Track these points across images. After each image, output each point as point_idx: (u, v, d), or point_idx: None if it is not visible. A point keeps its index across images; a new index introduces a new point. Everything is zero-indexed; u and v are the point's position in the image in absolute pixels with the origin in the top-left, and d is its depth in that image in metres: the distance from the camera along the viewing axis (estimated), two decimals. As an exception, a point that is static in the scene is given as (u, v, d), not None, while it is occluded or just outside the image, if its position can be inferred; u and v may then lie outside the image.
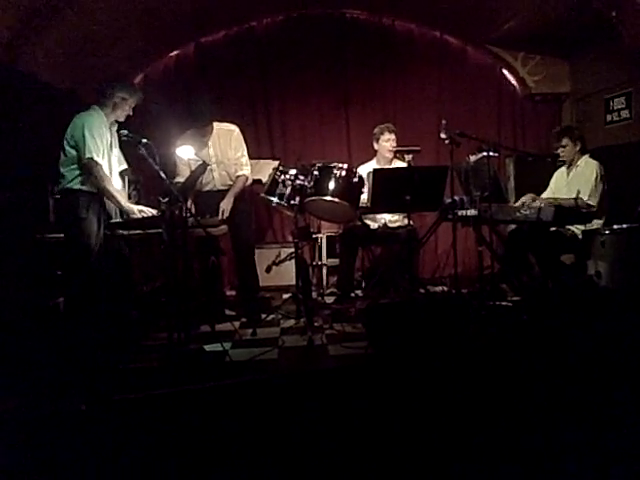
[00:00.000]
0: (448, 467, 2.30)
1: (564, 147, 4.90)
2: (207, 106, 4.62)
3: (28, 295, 4.27)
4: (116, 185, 4.16)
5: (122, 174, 4.32)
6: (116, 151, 4.19)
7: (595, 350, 3.37)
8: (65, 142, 3.98)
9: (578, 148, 4.88)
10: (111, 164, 4.10)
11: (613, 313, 4.01)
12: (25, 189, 4.54)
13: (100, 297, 3.93)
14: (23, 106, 4.55)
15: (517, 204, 4.85)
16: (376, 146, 5.47)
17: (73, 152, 3.95)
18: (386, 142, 5.36)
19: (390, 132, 5.38)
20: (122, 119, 4.16)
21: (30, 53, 4.60)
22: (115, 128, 4.16)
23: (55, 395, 3.06)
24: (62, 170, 3.99)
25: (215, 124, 4.76)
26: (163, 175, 3.65)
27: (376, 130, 5.45)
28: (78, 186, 3.95)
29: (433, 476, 2.27)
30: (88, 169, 3.89)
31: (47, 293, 4.37)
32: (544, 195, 5.05)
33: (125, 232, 4.08)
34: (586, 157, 4.88)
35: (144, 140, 3.72)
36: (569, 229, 4.73)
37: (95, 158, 3.89)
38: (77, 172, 3.95)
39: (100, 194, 3.97)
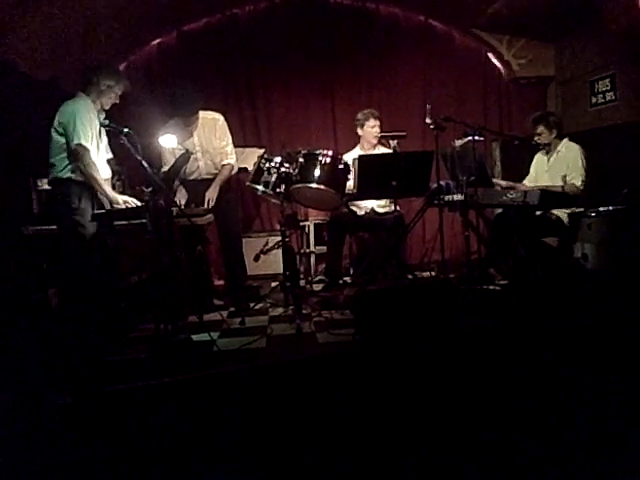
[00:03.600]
0: (435, 453, 2.30)
1: (540, 134, 4.93)
2: (192, 95, 4.57)
3: (13, 288, 4.23)
4: (105, 173, 4.12)
5: (108, 162, 4.28)
6: (104, 139, 4.15)
7: (584, 332, 3.38)
8: (53, 130, 3.94)
9: (554, 135, 4.91)
10: (99, 151, 4.06)
11: (600, 295, 4.03)
12: (7, 181, 4.48)
13: (93, 288, 3.91)
14: (3, 96, 4.47)
15: (495, 181, 4.87)
16: (360, 132, 5.44)
17: (62, 140, 3.91)
18: (371, 128, 5.34)
19: (375, 118, 5.35)
20: (107, 107, 4.12)
21: (9, 43, 4.53)
22: (103, 116, 4.12)
23: (41, 388, 3.04)
24: (51, 159, 3.96)
25: (200, 113, 4.71)
26: (146, 165, 3.61)
27: (360, 116, 5.42)
28: (68, 175, 3.93)
29: (420, 462, 2.27)
30: (76, 155, 3.86)
31: (32, 286, 4.33)
32: (525, 182, 5.07)
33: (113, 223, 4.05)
34: (566, 141, 4.91)
35: (126, 129, 3.68)
36: (553, 213, 4.74)
37: (84, 144, 3.85)
38: (67, 161, 3.93)
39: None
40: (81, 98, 4.00)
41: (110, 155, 4.30)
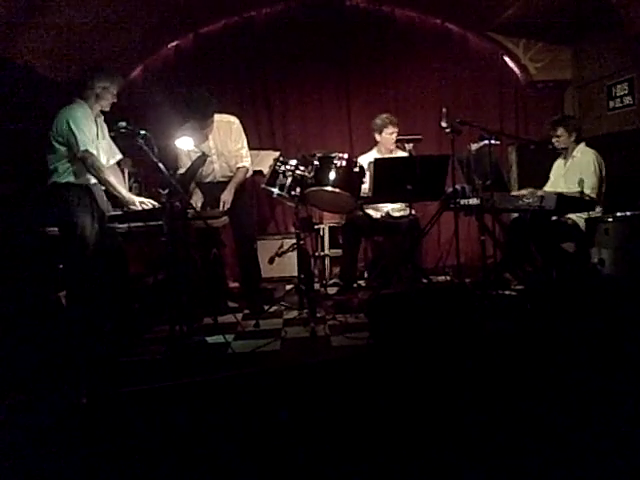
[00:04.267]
0: (448, 458, 2.29)
1: (559, 137, 4.89)
2: (208, 99, 4.58)
3: (30, 288, 4.26)
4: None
5: (119, 164, 4.29)
6: (104, 142, 4.15)
7: (600, 338, 3.35)
8: (52, 138, 3.94)
9: (573, 138, 4.87)
10: (99, 155, 4.07)
11: (616, 300, 3.99)
12: (27, 182, 4.52)
13: (99, 290, 3.92)
14: (24, 99, 4.52)
15: (514, 193, 4.83)
16: (378, 138, 5.43)
17: (62, 148, 3.91)
18: (389, 135, 5.33)
19: (393, 125, 5.34)
20: (107, 108, 4.12)
21: (27, 47, 4.57)
22: (101, 119, 4.13)
23: (57, 389, 3.06)
24: (52, 165, 3.96)
25: (215, 116, 4.72)
26: (162, 167, 3.62)
27: (378, 122, 5.40)
28: (67, 179, 3.93)
29: (434, 467, 2.26)
30: (84, 162, 3.86)
31: (49, 286, 4.36)
32: (545, 188, 5.04)
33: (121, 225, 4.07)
34: (582, 146, 4.87)
35: (142, 132, 3.69)
36: (570, 218, 4.70)
37: (89, 149, 3.86)
38: (67, 165, 3.93)
39: (88, 186, 3.95)
40: (77, 104, 3.99)
41: (120, 156, 4.30)
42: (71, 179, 3.94)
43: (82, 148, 3.85)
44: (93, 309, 3.87)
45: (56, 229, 4.33)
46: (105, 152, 4.15)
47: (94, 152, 3.90)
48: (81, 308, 3.92)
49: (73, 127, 3.85)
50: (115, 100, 4.14)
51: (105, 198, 4.13)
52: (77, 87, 4.08)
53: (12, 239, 4.27)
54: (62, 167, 3.93)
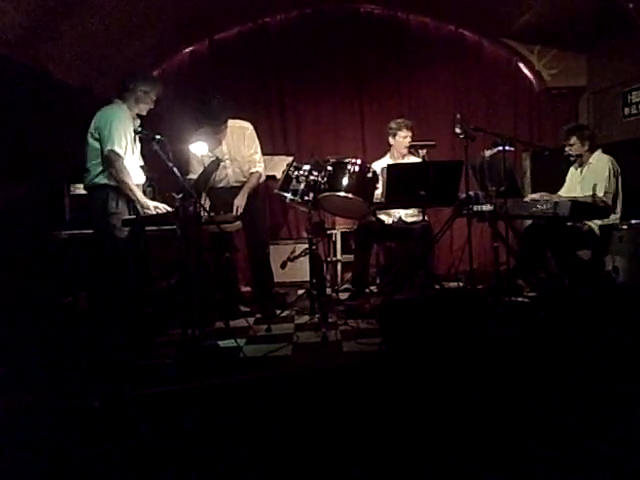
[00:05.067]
0: (460, 463, 2.28)
1: (571, 145, 4.88)
2: (223, 104, 4.61)
3: (43, 292, 4.29)
4: (138, 179, 4.17)
5: (142, 169, 4.33)
6: (139, 146, 4.19)
7: (613, 346, 3.33)
8: (89, 136, 3.98)
9: (586, 147, 4.85)
10: (134, 158, 4.11)
11: (630, 308, 3.96)
12: (41, 186, 4.56)
13: (126, 292, 3.95)
14: (38, 103, 4.56)
15: (526, 199, 4.82)
16: (392, 141, 5.43)
17: (97, 145, 3.95)
18: (403, 139, 5.32)
19: (408, 129, 5.34)
20: (144, 113, 4.16)
21: (44, 52, 4.62)
22: (138, 122, 4.17)
23: (70, 391, 3.08)
24: (87, 165, 4.00)
25: (229, 121, 4.74)
26: (177, 171, 3.65)
27: (393, 125, 5.41)
28: (104, 181, 3.96)
29: (445, 472, 2.25)
30: (108, 160, 3.89)
31: (62, 290, 4.39)
32: (560, 193, 5.02)
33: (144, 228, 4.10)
34: (598, 153, 4.85)
35: (158, 136, 3.72)
36: (586, 224, 4.68)
37: (117, 150, 3.89)
38: (101, 167, 3.96)
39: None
40: (117, 104, 4.04)
41: (141, 162, 4.35)
42: (108, 181, 3.96)
43: (109, 147, 3.87)
44: (116, 311, 3.90)
45: (71, 232, 4.37)
46: (139, 154, 4.20)
47: (121, 153, 3.92)
48: (108, 309, 3.95)
49: (112, 124, 3.89)
50: (152, 106, 4.17)
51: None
52: (117, 88, 4.12)
53: (24, 242, 4.31)
54: (95, 168, 3.96)
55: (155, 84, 4.17)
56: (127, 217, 3.98)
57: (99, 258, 4.12)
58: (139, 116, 4.16)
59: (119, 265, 3.94)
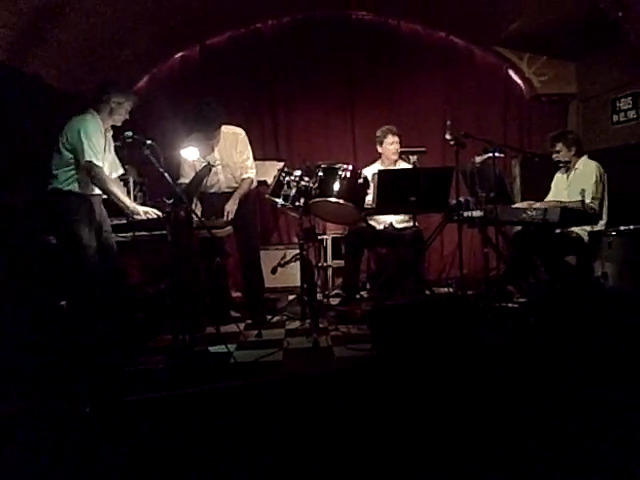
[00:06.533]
0: (451, 470, 2.28)
1: (558, 152, 4.91)
2: (216, 111, 4.61)
3: (35, 297, 4.27)
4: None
5: (120, 179, 4.31)
6: (110, 156, 4.18)
7: (602, 352, 3.34)
8: (60, 144, 3.97)
9: (573, 152, 4.89)
10: (104, 167, 4.09)
11: (620, 314, 3.98)
12: (34, 192, 4.54)
13: (99, 300, 3.93)
14: (29, 109, 4.55)
15: (514, 206, 4.85)
16: (380, 149, 5.44)
17: (68, 155, 3.94)
18: (390, 145, 5.34)
19: (393, 135, 5.35)
20: (119, 123, 4.16)
21: (35, 56, 4.61)
22: (110, 133, 4.16)
23: (60, 397, 3.06)
24: (55, 171, 3.98)
25: (222, 127, 4.75)
26: (167, 176, 3.64)
27: (379, 133, 5.43)
28: (69, 187, 3.95)
29: (436, 476, 2.26)
30: (89, 172, 3.89)
31: (53, 295, 4.37)
32: (546, 200, 5.04)
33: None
34: (584, 158, 4.88)
35: (148, 141, 3.72)
36: (573, 231, 4.71)
37: (95, 161, 3.89)
38: (71, 173, 3.95)
39: (88, 197, 3.97)
40: (90, 115, 4.02)
41: (121, 171, 4.34)
42: (74, 188, 3.96)
43: (87, 158, 3.87)
44: (94, 318, 3.88)
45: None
46: (110, 166, 4.18)
47: (99, 164, 3.92)
48: (81, 317, 3.93)
49: (83, 136, 3.88)
50: (127, 117, 4.17)
51: (104, 211, 4.15)
52: (92, 98, 4.11)
53: (17, 248, 4.29)
54: (65, 175, 3.95)
55: (128, 95, 4.16)
56: (117, 222, 3.97)
57: (64, 265, 4.11)
58: (117, 126, 4.16)
59: (83, 272, 3.93)
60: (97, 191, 4.04)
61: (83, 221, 3.95)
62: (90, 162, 3.87)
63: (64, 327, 4.12)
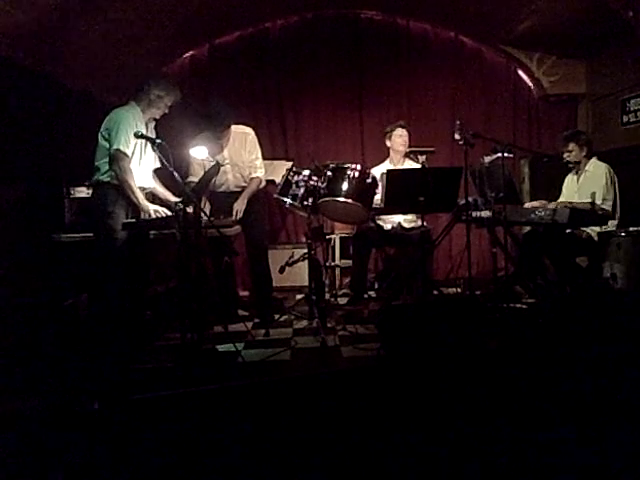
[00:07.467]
0: (458, 469, 2.28)
1: (570, 152, 4.90)
2: (227, 110, 4.62)
3: (43, 295, 4.29)
4: (146, 183, 4.19)
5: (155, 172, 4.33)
6: (147, 148, 4.18)
7: (610, 353, 3.33)
8: (100, 135, 4.01)
9: (584, 153, 4.88)
10: (142, 160, 4.12)
11: (628, 315, 3.97)
12: (41, 189, 4.56)
13: (118, 295, 3.95)
14: (38, 105, 4.56)
15: (526, 206, 4.83)
16: (388, 143, 5.44)
17: (106, 144, 3.97)
18: (399, 137, 5.34)
19: (403, 128, 5.36)
20: (157, 117, 4.19)
21: (47, 54, 4.63)
22: (153, 125, 4.18)
23: (69, 394, 3.08)
24: (96, 163, 4.01)
25: (231, 127, 4.75)
26: (177, 176, 3.65)
27: (388, 128, 5.45)
28: (108, 179, 3.97)
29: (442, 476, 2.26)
30: (113, 159, 3.91)
31: (62, 293, 4.39)
32: (558, 202, 5.03)
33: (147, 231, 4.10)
34: (594, 160, 4.87)
35: (158, 140, 3.72)
36: (584, 231, 4.69)
37: (122, 149, 3.90)
38: (108, 166, 3.97)
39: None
40: (130, 106, 4.06)
41: (158, 164, 4.33)
42: (112, 180, 3.97)
43: (115, 146, 3.89)
44: (112, 314, 3.90)
45: (71, 236, 4.36)
46: (151, 159, 4.20)
47: (127, 153, 3.94)
48: (103, 312, 3.95)
49: (120, 125, 3.91)
50: (167, 111, 4.19)
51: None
52: (135, 89, 4.15)
53: (23, 245, 4.30)
54: (104, 166, 3.98)
55: (170, 90, 4.16)
56: (126, 220, 3.98)
57: (94, 258, 4.12)
58: (156, 119, 4.19)
59: (113, 267, 3.94)
60: (139, 184, 4.05)
61: (118, 214, 3.96)
62: (118, 149, 3.89)
63: (74, 324, 4.15)
